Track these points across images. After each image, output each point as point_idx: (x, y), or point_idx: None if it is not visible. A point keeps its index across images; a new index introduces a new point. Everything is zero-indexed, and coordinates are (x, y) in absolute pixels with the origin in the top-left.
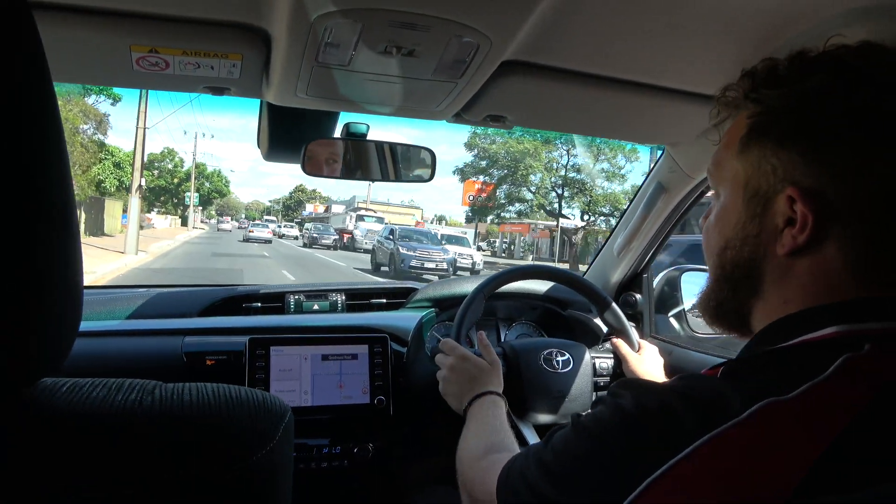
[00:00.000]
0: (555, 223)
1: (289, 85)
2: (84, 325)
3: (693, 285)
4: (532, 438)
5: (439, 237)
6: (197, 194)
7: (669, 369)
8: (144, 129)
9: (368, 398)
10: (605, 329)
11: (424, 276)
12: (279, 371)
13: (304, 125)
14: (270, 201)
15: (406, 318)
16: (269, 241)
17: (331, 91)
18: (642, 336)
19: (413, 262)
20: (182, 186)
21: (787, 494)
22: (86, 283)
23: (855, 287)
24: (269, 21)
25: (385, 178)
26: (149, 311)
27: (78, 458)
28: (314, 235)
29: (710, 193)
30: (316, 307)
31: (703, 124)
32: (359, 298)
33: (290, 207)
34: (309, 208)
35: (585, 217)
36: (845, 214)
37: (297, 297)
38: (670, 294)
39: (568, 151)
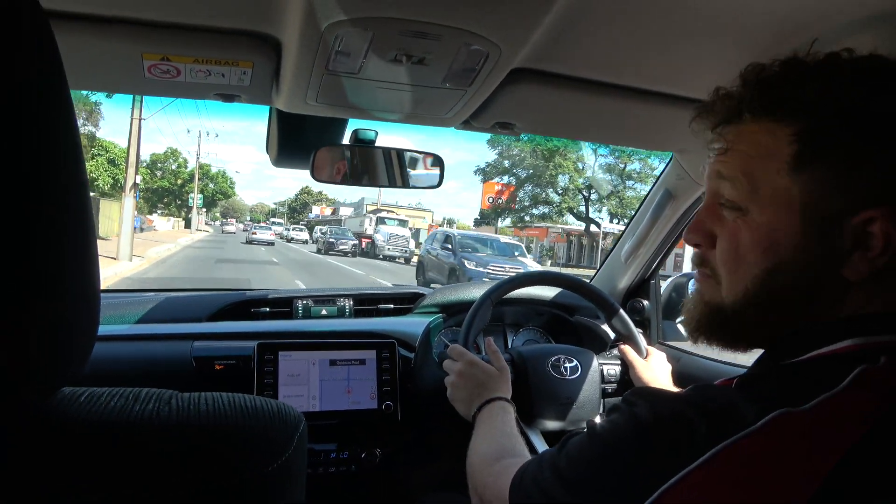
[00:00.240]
0: (576, 227)
1: (299, 92)
2: None
3: None
4: (540, 445)
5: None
6: (201, 196)
7: (677, 376)
8: (140, 120)
9: (376, 403)
10: (612, 335)
11: None
12: (287, 376)
13: (312, 131)
14: (275, 204)
15: (414, 324)
16: (271, 244)
17: (340, 98)
18: (650, 342)
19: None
20: (186, 187)
21: None
22: None
23: None
24: (281, 29)
25: (393, 185)
26: (158, 315)
27: (96, 469)
28: (330, 241)
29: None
30: (324, 312)
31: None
32: (367, 304)
33: (296, 210)
34: (315, 210)
35: (615, 221)
36: None
37: (305, 302)
38: (678, 300)
39: (595, 151)
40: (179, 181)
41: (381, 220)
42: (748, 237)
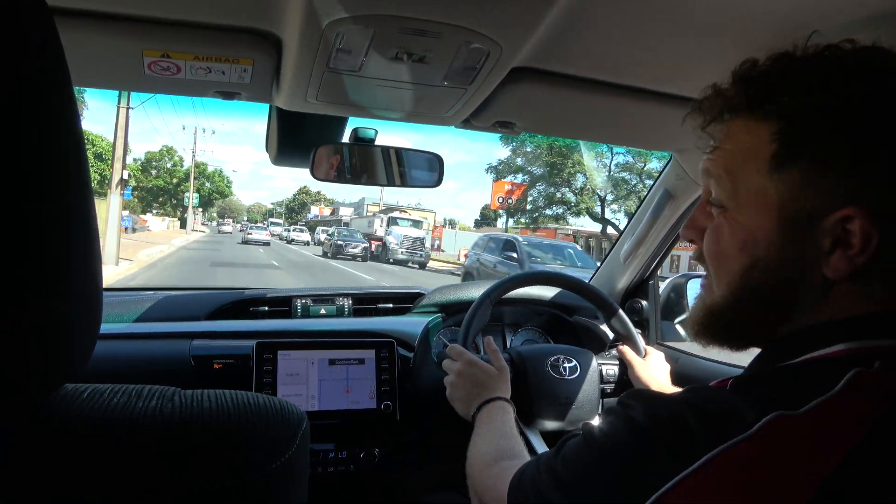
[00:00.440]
0: (587, 228)
1: (299, 90)
2: None
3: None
4: (539, 445)
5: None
6: (197, 195)
7: (675, 376)
8: (128, 108)
9: (375, 403)
10: (611, 336)
11: None
12: (286, 375)
13: (312, 130)
14: (273, 204)
15: (413, 324)
16: (267, 244)
17: (341, 96)
18: (648, 343)
19: None
20: (181, 187)
21: None
22: None
23: (889, 304)
24: (281, 27)
25: (392, 184)
26: (156, 314)
27: (99, 467)
28: (338, 243)
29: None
30: (323, 311)
31: None
32: (366, 303)
33: (294, 210)
34: (314, 210)
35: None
36: None
37: (304, 301)
38: (676, 301)
39: (612, 148)
40: (175, 180)
41: (392, 221)
42: (728, 234)
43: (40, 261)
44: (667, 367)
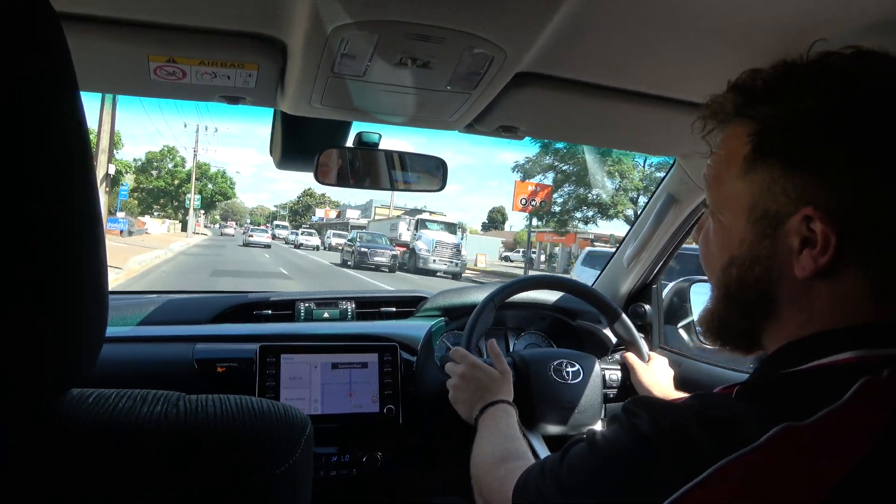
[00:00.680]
0: (607, 232)
1: (303, 95)
2: None
3: (702, 297)
4: (542, 450)
5: None
6: (199, 196)
7: (679, 381)
8: (115, 96)
9: (378, 407)
10: (614, 340)
11: None
12: (289, 379)
13: (316, 134)
14: (276, 206)
15: (416, 327)
16: (268, 246)
17: (345, 101)
18: (651, 347)
19: None
20: (183, 188)
21: None
22: None
23: (874, 311)
24: (286, 32)
25: (396, 188)
26: (160, 317)
27: (104, 471)
28: (362, 250)
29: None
30: (326, 315)
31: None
32: (368, 307)
33: (298, 213)
34: (319, 213)
35: None
36: (866, 236)
37: (307, 304)
38: (679, 305)
39: None
40: (176, 181)
41: (422, 224)
42: (714, 236)
43: (45, 264)
44: (670, 372)
